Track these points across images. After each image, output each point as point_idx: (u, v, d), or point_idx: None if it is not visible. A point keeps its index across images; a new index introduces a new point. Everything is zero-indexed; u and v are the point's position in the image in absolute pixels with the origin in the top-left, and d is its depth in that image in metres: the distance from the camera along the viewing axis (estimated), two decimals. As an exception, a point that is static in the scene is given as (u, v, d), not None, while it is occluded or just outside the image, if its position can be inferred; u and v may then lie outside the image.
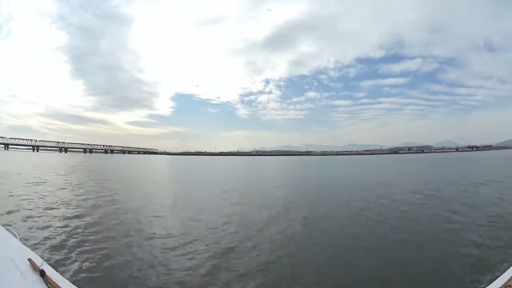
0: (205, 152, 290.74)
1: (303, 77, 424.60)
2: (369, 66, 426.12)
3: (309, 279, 7.07)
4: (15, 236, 4.36)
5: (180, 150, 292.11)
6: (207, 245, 9.24)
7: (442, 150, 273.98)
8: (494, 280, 3.76)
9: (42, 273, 3.25)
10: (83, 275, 6.95)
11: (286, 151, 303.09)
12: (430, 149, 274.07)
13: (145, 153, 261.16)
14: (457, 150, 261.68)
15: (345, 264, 8.10)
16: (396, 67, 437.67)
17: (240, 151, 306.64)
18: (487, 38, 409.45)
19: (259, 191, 22.02)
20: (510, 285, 3.37)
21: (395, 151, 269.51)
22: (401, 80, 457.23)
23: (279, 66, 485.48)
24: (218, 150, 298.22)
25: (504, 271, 3.92)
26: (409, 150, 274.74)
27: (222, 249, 8.94)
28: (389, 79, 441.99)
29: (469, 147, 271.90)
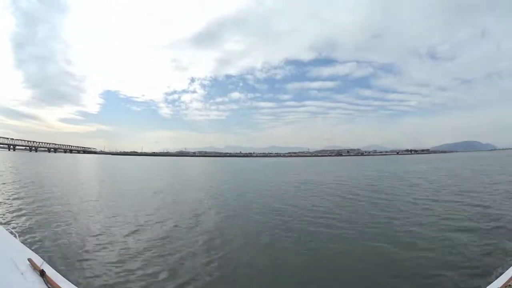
0: (137, 152, 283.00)
1: (228, 77, 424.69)
2: (298, 69, 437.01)
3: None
4: (15, 236, 4.41)
5: (108, 150, 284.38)
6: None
7: (385, 153, 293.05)
8: (494, 280, 3.79)
9: (42, 273, 3.30)
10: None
11: (208, 152, 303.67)
12: (362, 153, 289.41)
13: (84, 152, 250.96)
14: (397, 153, 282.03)
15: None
16: (326, 71, 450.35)
17: (164, 151, 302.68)
18: (431, 47, 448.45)
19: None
20: (510, 285, 3.42)
21: (339, 153, 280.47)
22: (329, 84, 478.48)
23: (205, 64, 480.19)
24: (144, 150, 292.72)
25: (504, 271, 3.97)
26: (348, 153, 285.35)
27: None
28: (317, 82, 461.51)
29: (407, 150, 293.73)
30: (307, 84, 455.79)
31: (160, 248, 9.08)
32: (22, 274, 3.29)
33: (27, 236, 9.59)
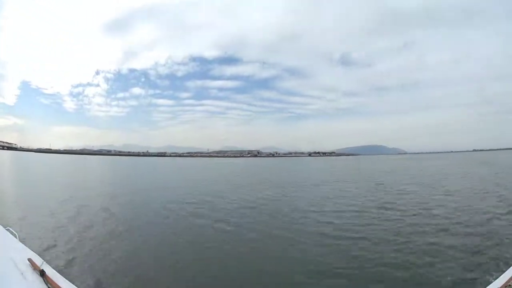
0: (51, 149, 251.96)
1: (132, 70, 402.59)
2: (201, 66, 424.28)
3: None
4: (15, 236, 4.29)
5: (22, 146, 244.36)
6: None
7: (295, 154, 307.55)
8: (494, 280, 3.82)
9: (42, 273, 3.35)
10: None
11: (107, 151, 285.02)
12: (273, 154, 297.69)
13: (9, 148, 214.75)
14: (309, 155, 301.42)
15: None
16: (230, 70, 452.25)
17: (68, 149, 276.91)
18: (347, 53, 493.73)
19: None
20: (510, 285, 3.43)
21: (254, 154, 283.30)
22: (231, 84, 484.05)
23: (112, 55, 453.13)
24: (51, 147, 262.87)
25: (504, 271, 3.98)
26: (258, 154, 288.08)
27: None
28: (219, 81, 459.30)
29: (316, 153, 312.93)
30: (208, 83, 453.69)
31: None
32: (22, 274, 3.31)
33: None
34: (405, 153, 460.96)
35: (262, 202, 18.90)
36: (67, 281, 3.42)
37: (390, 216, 14.19)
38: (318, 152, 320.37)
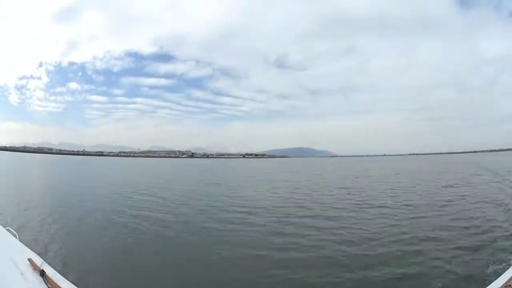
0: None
1: (71, 64, 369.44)
2: (136, 62, 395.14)
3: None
4: (15, 236, 4.21)
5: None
6: None
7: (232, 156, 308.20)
8: (494, 280, 3.79)
9: (42, 273, 3.36)
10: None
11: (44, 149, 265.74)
12: (208, 155, 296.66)
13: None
14: (244, 156, 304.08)
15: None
16: (164, 67, 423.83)
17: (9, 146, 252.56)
18: (284, 55, 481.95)
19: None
20: (510, 285, 3.41)
21: (190, 155, 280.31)
22: (163, 82, 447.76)
23: (56, 46, 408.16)
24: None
25: (504, 271, 3.95)
26: (193, 155, 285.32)
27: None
28: (152, 79, 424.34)
29: (249, 154, 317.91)
30: (142, 80, 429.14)
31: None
32: (22, 274, 3.34)
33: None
34: (336, 156, 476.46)
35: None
36: (67, 281, 3.43)
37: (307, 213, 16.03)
38: (251, 154, 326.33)
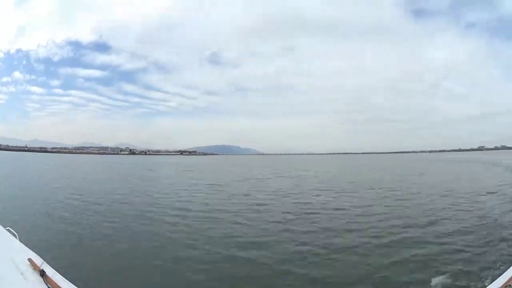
0: None
1: (18, 51, 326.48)
2: (75, 51, 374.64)
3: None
4: (15, 236, 4.16)
5: None
6: None
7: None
8: (494, 280, 3.76)
9: (42, 273, 3.35)
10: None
11: None
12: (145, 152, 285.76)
13: None
14: (181, 153, 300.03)
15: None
16: (100, 58, 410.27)
17: None
18: (219, 51, 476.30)
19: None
20: (510, 285, 3.38)
21: (133, 152, 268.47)
22: (97, 74, 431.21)
23: (9, 30, 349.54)
24: None
25: (504, 271, 3.92)
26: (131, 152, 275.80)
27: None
28: (88, 70, 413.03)
29: (178, 151, 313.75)
30: (78, 71, 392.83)
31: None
32: (22, 274, 3.31)
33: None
34: (262, 154, 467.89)
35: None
36: (67, 281, 3.42)
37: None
38: (185, 151, 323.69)
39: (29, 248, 3.93)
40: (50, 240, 10.44)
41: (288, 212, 15.46)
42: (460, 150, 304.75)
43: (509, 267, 4.06)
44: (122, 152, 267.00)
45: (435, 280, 7.15)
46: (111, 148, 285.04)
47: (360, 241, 10.35)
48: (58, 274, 3.48)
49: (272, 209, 16.49)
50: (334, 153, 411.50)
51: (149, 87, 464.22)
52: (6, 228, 4.36)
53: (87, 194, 21.11)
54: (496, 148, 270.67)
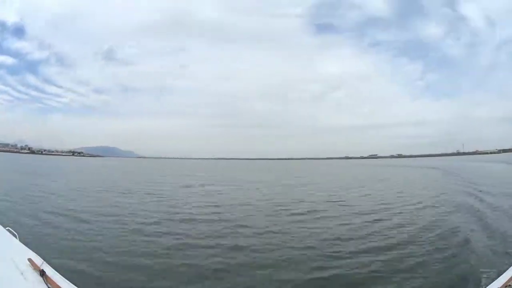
0: None
1: None
2: None
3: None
4: (15, 236, 4.12)
5: None
6: None
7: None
8: (494, 280, 3.73)
9: (42, 273, 3.33)
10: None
11: None
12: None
13: None
14: (73, 154, 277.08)
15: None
16: (17, 44, 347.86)
17: None
18: (114, 48, 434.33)
19: None
20: (510, 285, 3.36)
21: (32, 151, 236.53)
22: (9, 61, 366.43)
23: None
24: None
25: (504, 271, 3.90)
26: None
27: None
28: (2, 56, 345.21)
29: (69, 151, 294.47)
30: None
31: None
32: (22, 274, 3.29)
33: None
34: (144, 157, 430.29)
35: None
36: (67, 281, 3.40)
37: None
38: (75, 152, 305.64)
39: (28, 248, 3.88)
40: None
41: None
42: (347, 158, 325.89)
43: (509, 267, 4.04)
44: (23, 151, 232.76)
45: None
46: (11, 145, 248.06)
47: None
48: (58, 274, 3.49)
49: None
50: (214, 158, 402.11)
51: (48, 81, 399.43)
52: (6, 228, 4.28)
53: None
54: (392, 156, 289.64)
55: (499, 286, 3.42)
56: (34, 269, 3.40)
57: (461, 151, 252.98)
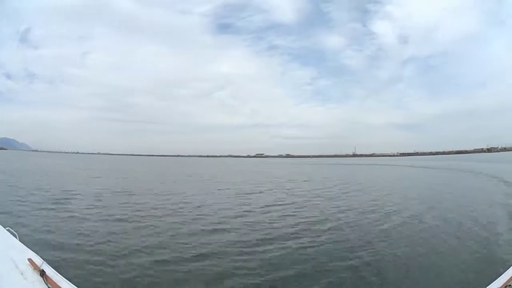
0: None
1: None
2: None
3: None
4: (15, 236, 4.11)
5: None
6: None
7: None
8: (494, 280, 3.73)
9: (42, 273, 3.34)
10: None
11: None
12: None
13: None
14: None
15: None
16: None
17: None
18: (31, 28, 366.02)
19: None
20: (510, 285, 3.36)
21: None
22: None
23: None
24: None
25: (504, 271, 3.91)
26: None
27: None
28: None
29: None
30: None
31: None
32: (22, 274, 3.30)
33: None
34: (37, 151, 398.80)
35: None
36: (67, 281, 3.41)
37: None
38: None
39: (29, 248, 3.88)
40: None
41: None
42: (230, 156, 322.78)
43: (509, 267, 4.07)
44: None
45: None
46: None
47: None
48: (58, 274, 3.51)
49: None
50: (103, 154, 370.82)
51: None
52: (6, 228, 4.26)
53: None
54: (280, 156, 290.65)
55: (499, 286, 3.46)
56: (34, 269, 3.40)
57: (357, 153, 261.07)
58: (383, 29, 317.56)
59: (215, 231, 11.21)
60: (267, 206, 16.47)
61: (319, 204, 17.48)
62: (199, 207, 16.06)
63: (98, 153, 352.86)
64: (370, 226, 12.11)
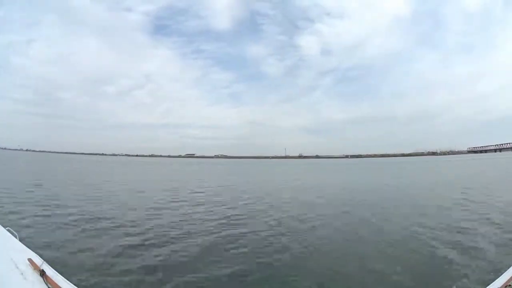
0: None
1: None
2: None
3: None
4: (15, 236, 4.04)
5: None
6: None
7: None
8: (494, 280, 3.71)
9: (42, 273, 3.31)
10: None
11: None
12: None
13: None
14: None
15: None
16: None
17: None
18: None
19: None
20: (510, 285, 3.35)
21: None
22: None
23: None
24: None
25: (504, 271, 3.89)
26: None
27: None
28: None
29: None
30: None
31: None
32: (22, 274, 3.27)
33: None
34: None
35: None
36: (67, 281, 3.38)
37: None
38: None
39: (29, 248, 3.84)
40: None
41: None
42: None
43: (509, 267, 4.03)
44: None
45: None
46: None
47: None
48: (58, 274, 3.47)
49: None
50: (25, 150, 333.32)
51: None
52: (6, 228, 4.23)
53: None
54: (212, 157, 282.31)
55: (499, 286, 3.45)
56: (34, 269, 3.38)
57: (285, 154, 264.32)
58: (308, 43, 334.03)
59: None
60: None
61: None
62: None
63: (21, 150, 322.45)
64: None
